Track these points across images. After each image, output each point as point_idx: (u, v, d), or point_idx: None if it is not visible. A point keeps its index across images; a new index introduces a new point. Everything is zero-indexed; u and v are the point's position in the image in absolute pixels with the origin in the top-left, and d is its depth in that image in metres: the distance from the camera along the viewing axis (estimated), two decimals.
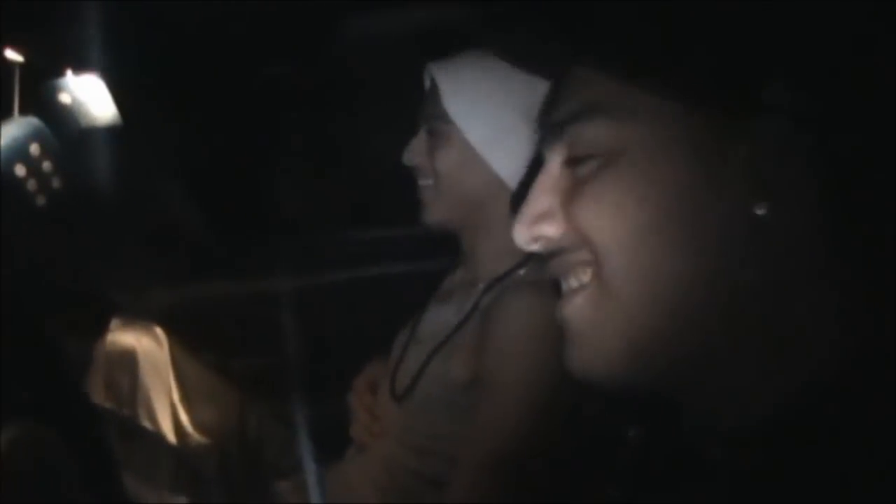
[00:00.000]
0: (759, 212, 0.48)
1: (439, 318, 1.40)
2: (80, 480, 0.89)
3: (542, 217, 0.58)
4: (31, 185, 1.17)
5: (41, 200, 1.18)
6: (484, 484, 1.20)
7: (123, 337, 1.68)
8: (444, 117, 1.29)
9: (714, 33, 0.49)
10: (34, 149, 1.20)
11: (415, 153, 1.35)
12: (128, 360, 1.66)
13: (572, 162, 0.57)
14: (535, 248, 0.60)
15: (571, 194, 0.56)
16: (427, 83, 1.36)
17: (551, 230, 0.58)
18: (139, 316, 1.71)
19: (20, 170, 1.17)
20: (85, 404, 1.07)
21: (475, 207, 1.32)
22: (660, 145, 0.51)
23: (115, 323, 1.68)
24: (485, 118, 1.29)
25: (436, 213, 1.35)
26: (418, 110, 1.36)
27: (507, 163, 1.28)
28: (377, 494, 1.36)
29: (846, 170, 0.48)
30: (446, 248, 1.44)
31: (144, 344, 1.69)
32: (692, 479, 0.56)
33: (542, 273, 1.26)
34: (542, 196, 0.58)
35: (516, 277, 1.30)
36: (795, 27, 0.48)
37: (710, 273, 0.51)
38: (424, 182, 1.35)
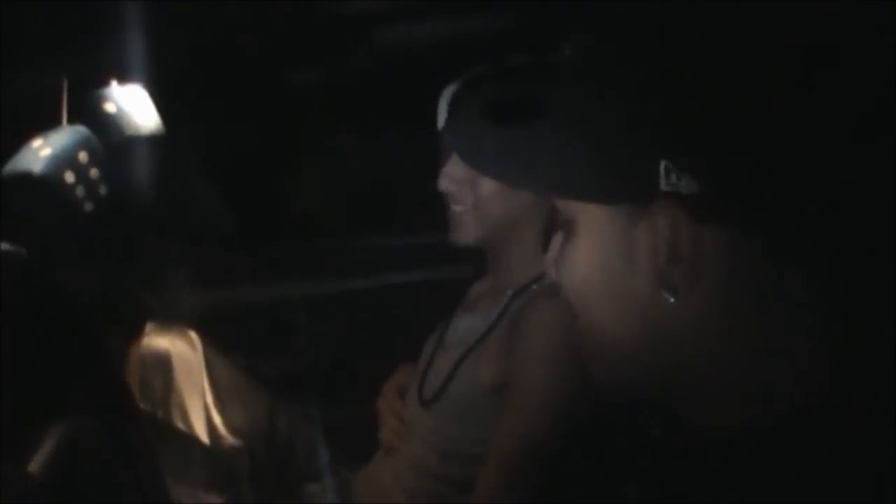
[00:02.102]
0: (672, 281, 0.58)
1: (467, 325, 1.42)
2: (129, 479, 0.92)
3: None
4: (80, 191, 1.21)
5: (88, 207, 1.22)
6: (509, 486, 1.23)
7: (158, 340, 1.71)
8: None
9: (606, 134, 0.58)
10: (82, 156, 1.23)
11: (449, 179, 1.36)
12: (162, 362, 1.69)
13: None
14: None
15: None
16: (443, 108, 1.37)
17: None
18: (173, 320, 1.74)
19: (69, 177, 1.21)
20: (132, 404, 1.11)
21: (511, 226, 1.35)
22: (594, 220, 0.62)
23: (149, 326, 1.72)
24: None
25: (471, 235, 1.36)
26: (440, 135, 1.36)
27: None
28: (404, 496, 1.39)
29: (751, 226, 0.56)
30: (471, 256, 1.46)
31: (178, 347, 1.72)
32: (704, 477, 0.60)
33: None
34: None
35: (544, 285, 1.33)
36: (680, 121, 0.56)
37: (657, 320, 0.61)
38: (460, 207, 1.37)
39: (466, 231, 1.37)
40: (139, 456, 0.96)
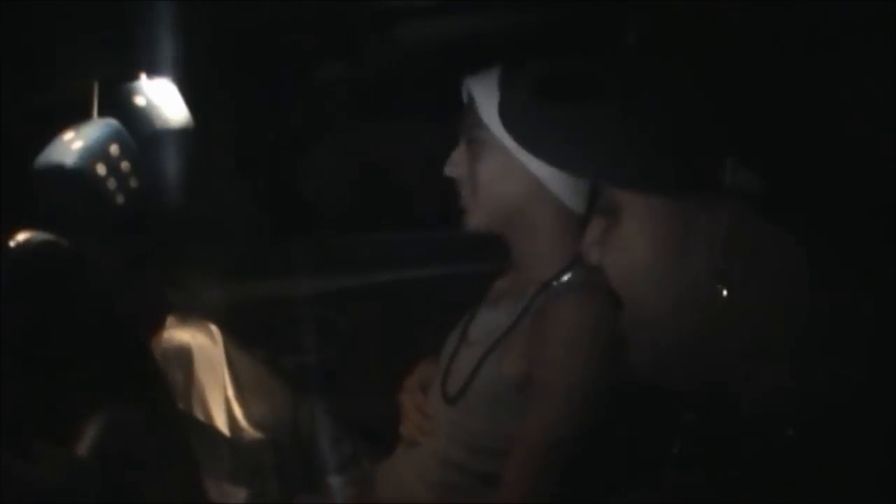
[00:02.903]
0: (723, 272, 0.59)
1: (490, 320, 1.43)
2: (166, 468, 0.93)
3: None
4: (111, 183, 1.22)
5: (120, 199, 1.23)
6: (534, 480, 1.24)
7: (179, 333, 1.72)
8: (482, 127, 1.32)
9: (671, 131, 0.59)
10: (113, 149, 1.24)
11: (456, 165, 1.39)
12: (183, 355, 1.70)
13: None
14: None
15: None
16: (465, 97, 1.39)
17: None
18: (194, 313, 1.75)
19: (101, 169, 1.21)
20: (169, 394, 1.12)
21: (517, 213, 1.35)
22: (647, 207, 0.62)
23: (171, 320, 1.73)
24: None
25: (477, 220, 1.38)
26: (457, 124, 1.39)
27: (547, 168, 1.32)
28: (427, 489, 1.40)
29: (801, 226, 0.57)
30: (492, 251, 1.47)
31: (199, 340, 1.73)
32: (737, 465, 0.61)
33: (592, 273, 1.31)
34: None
35: (567, 280, 1.33)
36: (740, 125, 0.57)
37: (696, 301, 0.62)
38: (466, 192, 1.38)
39: (472, 216, 1.38)
40: (175, 446, 0.97)
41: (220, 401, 1.70)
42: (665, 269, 0.62)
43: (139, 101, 1.33)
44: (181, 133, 1.34)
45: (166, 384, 1.21)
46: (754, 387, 0.62)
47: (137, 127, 1.31)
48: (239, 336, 1.75)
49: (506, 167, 1.32)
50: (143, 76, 1.37)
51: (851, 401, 0.57)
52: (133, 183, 1.25)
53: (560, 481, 1.23)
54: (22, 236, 1.02)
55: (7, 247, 1.00)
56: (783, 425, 0.59)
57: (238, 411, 1.71)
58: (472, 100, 1.34)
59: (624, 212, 0.63)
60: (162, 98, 1.36)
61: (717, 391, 0.65)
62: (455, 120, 1.39)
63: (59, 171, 1.20)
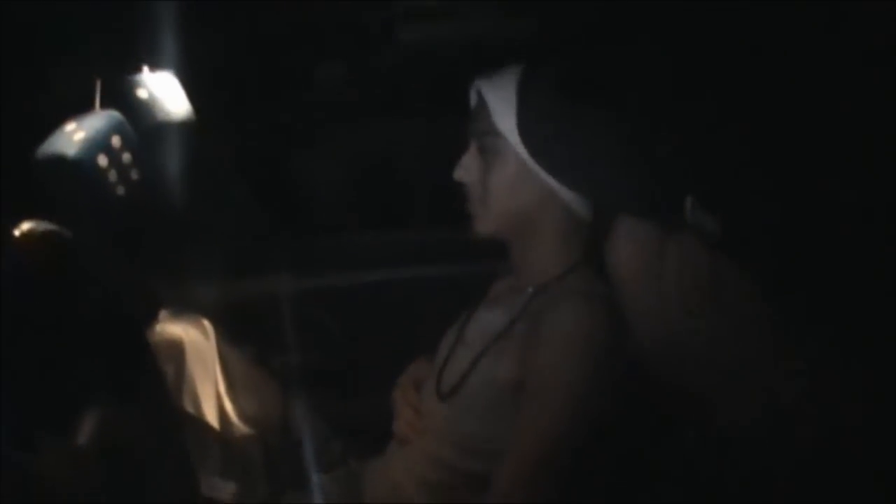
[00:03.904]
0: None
1: (487, 321, 1.43)
2: (162, 461, 0.93)
3: None
4: (113, 175, 1.22)
5: (121, 191, 1.23)
6: (525, 487, 1.24)
7: (171, 328, 1.71)
8: (494, 132, 1.30)
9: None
10: (115, 141, 1.24)
11: (466, 170, 1.37)
12: (175, 350, 1.69)
13: None
14: None
15: None
16: (474, 99, 1.38)
17: None
18: (187, 308, 1.75)
19: (102, 160, 1.21)
20: (162, 385, 1.12)
21: (526, 218, 1.36)
22: (634, 226, 0.64)
23: (163, 314, 1.72)
24: None
25: (487, 226, 1.37)
26: (467, 126, 1.38)
27: None
28: (418, 489, 1.40)
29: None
30: (489, 251, 1.47)
31: (192, 335, 1.72)
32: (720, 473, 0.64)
33: (590, 280, 1.31)
34: None
35: (566, 284, 1.34)
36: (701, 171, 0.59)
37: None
38: (476, 197, 1.37)
39: (481, 222, 1.38)
40: (172, 440, 0.97)
41: (212, 396, 1.69)
42: (644, 287, 0.66)
43: (141, 93, 1.33)
44: (183, 127, 1.34)
45: (163, 378, 1.21)
46: (722, 395, 0.65)
47: (139, 119, 1.31)
48: (231, 333, 1.74)
49: (519, 175, 1.31)
50: (146, 69, 1.37)
51: (807, 408, 0.59)
52: (134, 175, 1.25)
53: (552, 489, 1.23)
54: (24, 226, 1.02)
55: (9, 236, 1.00)
56: (756, 435, 0.61)
57: (229, 407, 1.70)
58: (483, 104, 1.33)
59: (617, 225, 0.67)
60: (164, 91, 1.36)
61: (697, 401, 0.67)
62: (459, 122, 1.39)
63: (60, 161, 1.20)
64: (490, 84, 1.33)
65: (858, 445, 0.58)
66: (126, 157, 1.25)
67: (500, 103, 1.29)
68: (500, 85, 1.31)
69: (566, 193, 1.30)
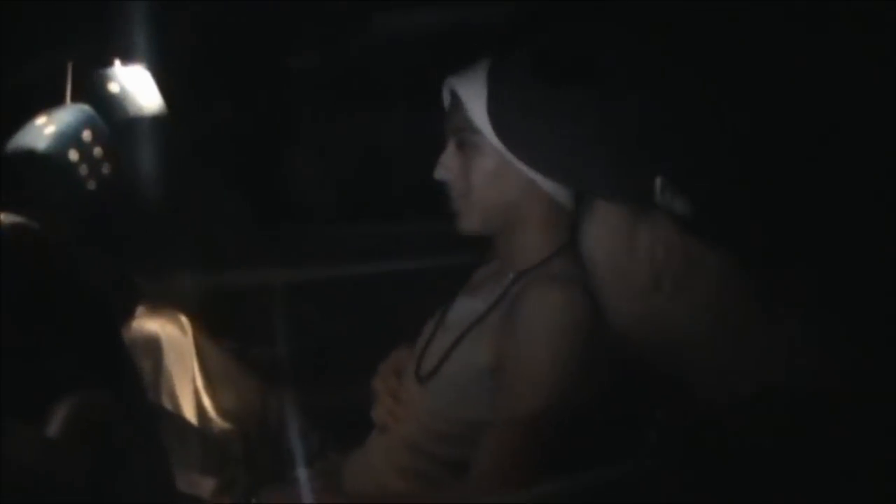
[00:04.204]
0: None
1: (468, 306, 1.43)
2: (138, 452, 0.93)
3: None
4: (83, 169, 1.22)
5: (92, 185, 1.22)
6: (504, 466, 1.25)
7: (148, 323, 1.71)
8: (471, 128, 1.31)
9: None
10: (86, 135, 1.24)
11: (447, 168, 1.37)
12: (152, 345, 1.69)
13: None
14: None
15: None
16: (447, 97, 1.38)
17: None
18: (164, 303, 1.74)
19: (74, 154, 1.21)
20: (137, 375, 1.11)
21: (511, 210, 1.36)
22: (606, 208, 0.67)
23: (140, 309, 1.72)
24: None
25: (473, 222, 1.37)
26: (444, 124, 1.37)
27: None
28: (396, 475, 1.40)
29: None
30: (471, 242, 1.47)
31: (169, 330, 1.72)
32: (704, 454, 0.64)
33: (570, 268, 1.32)
34: None
35: (546, 270, 1.35)
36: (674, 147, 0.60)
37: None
38: (458, 194, 1.37)
39: (466, 219, 1.38)
40: (147, 432, 0.97)
41: (189, 391, 1.69)
42: (618, 268, 0.66)
43: (113, 87, 1.33)
44: (155, 120, 1.33)
45: (138, 371, 1.21)
46: (700, 376, 0.66)
47: (111, 113, 1.31)
48: (209, 326, 1.74)
49: (499, 168, 1.32)
50: (117, 62, 1.37)
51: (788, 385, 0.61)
52: (105, 169, 1.25)
53: (531, 470, 1.24)
54: None
55: None
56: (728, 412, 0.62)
57: (207, 402, 1.70)
58: (458, 100, 1.33)
59: (593, 208, 0.67)
60: (136, 85, 1.35)
61: (674, 381, 0.68)
62: (439, 118, 1.39)
63: (30, 155, 1.19)
64: (462, 80, 1.33)
65: (840, 425, 0.58)
66: (97, 151, 1.25)
67: (473, 98, 1.30)
68: (471, 79, 1.31)
69: (547, 183, 1.31)
